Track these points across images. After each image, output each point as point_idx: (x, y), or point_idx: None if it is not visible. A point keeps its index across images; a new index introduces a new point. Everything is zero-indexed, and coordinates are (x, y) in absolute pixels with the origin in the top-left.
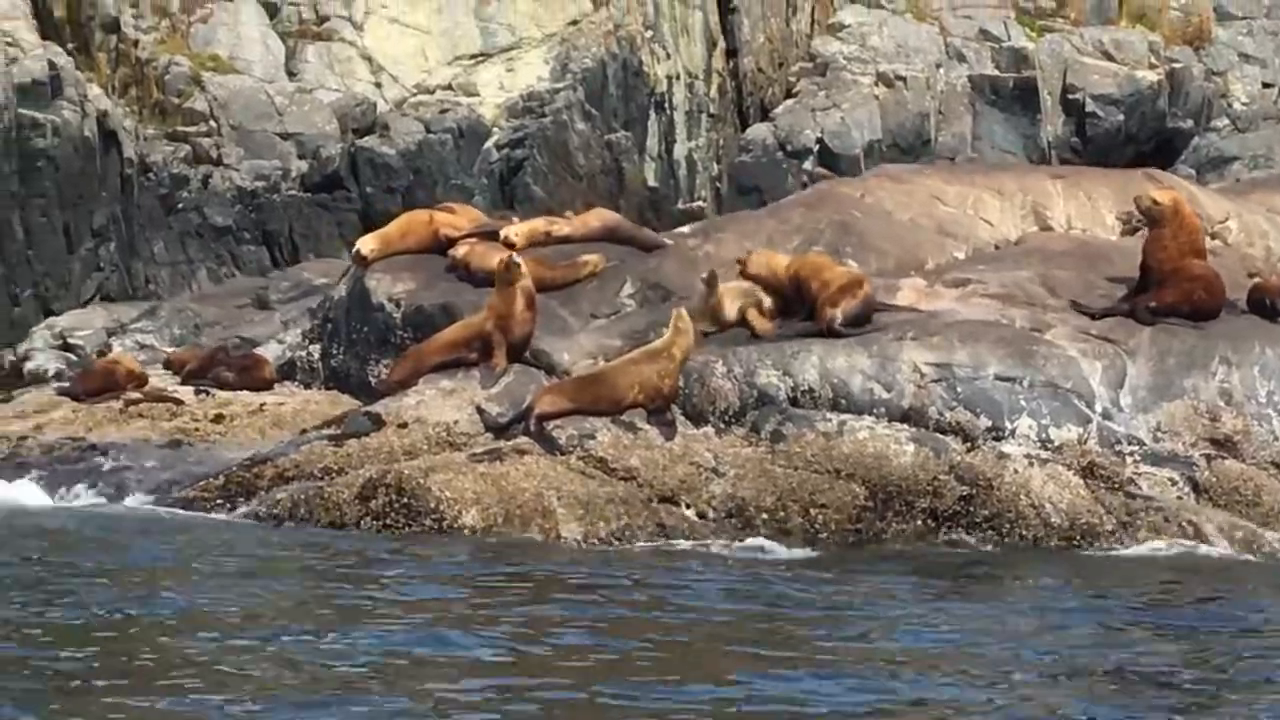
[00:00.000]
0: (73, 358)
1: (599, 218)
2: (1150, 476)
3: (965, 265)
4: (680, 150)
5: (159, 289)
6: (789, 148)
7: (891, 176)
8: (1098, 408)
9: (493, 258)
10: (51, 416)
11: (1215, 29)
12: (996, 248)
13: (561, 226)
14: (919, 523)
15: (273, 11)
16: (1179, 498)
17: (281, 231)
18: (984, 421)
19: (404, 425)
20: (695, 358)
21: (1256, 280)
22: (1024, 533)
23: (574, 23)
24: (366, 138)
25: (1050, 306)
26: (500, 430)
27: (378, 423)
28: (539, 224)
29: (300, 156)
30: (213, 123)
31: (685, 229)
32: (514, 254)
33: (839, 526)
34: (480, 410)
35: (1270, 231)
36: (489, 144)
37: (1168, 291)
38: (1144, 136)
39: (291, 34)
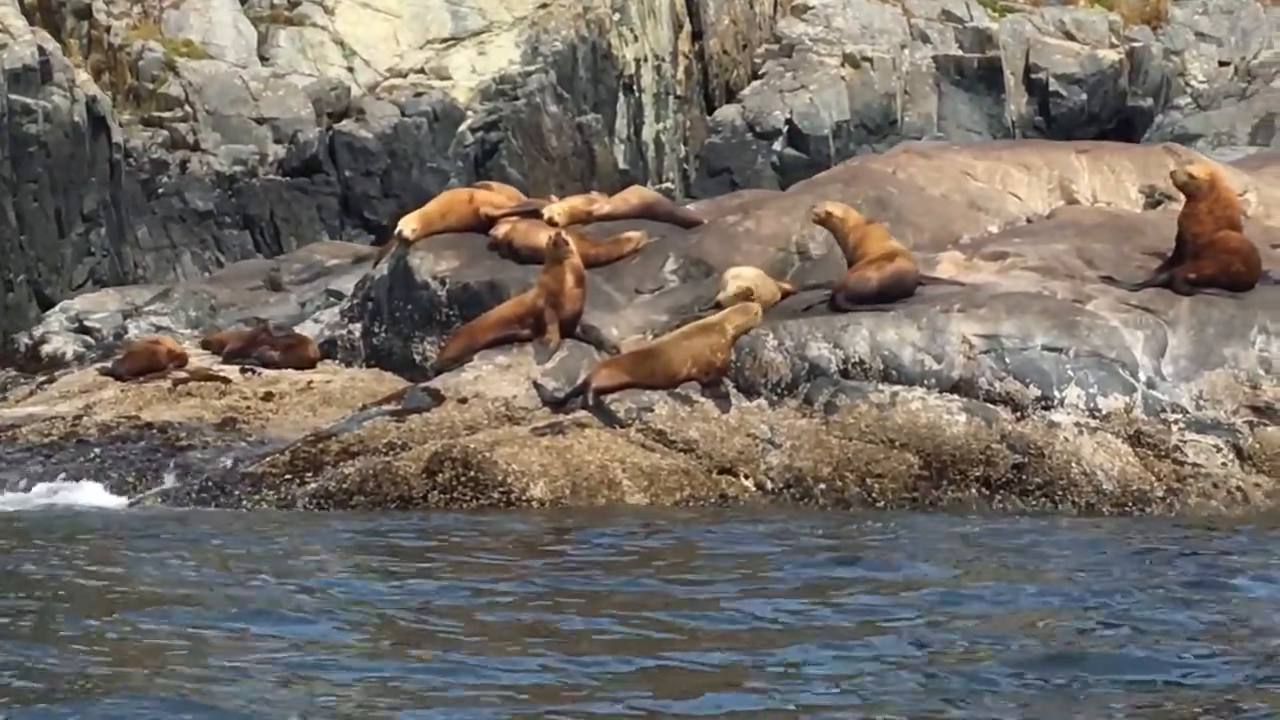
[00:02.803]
0: (90, 340)
1: (638, 195)
2: (1195, 444)
3: (1001, 239)
4: (649, 132)
5: (146, 273)
6: (758, 129)
7: (920, 153)
8: (1141, 377)
9: (536, 235)
10: (101, 396)
11: (1172, 8)
12: (1029, 221)
13: (601, 204)
14: (973, 491)
15: None
16: (1224, 464)
17: (263, 216)
18: (1033, 391)
19: (464, 400)
20: None
21: None
22: (1076, 500)
23: (543, 6)
24: (343, 122)
25: (1088, 278)
26: (558, 405)
27: (437, 398)
28: (579, 202)
29: (276, 141)
30: (188, 108)
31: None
32: (561, 231)
33: (895, 495)
34: (537, 385)
35: None
36: (463, 127)
37: (1206, 263)
38: (1106, 115)
39: (263, 19)
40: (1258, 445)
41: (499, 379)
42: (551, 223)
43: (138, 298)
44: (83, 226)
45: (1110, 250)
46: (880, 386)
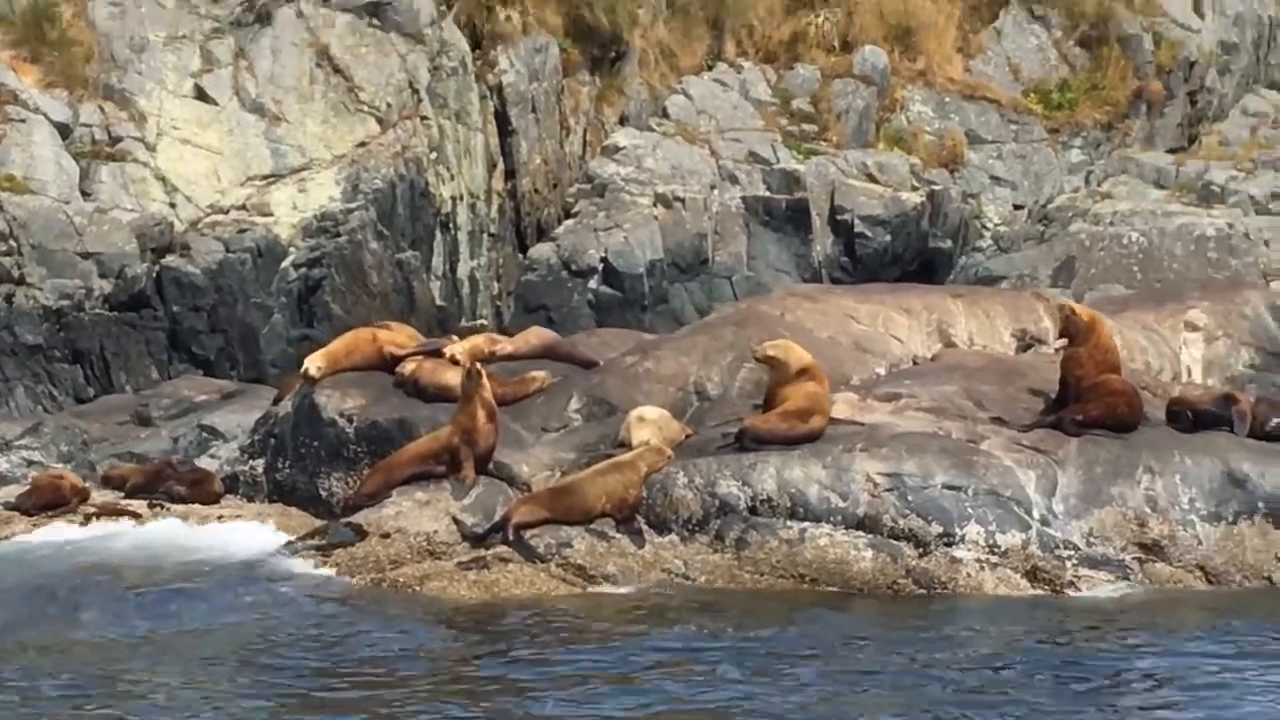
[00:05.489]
0: None
1: (539, 336)
2: (1089, 579)
3: (891, 380)
4: (464, 269)
5: None
6: (573, 267)
7: (805, 296)
8: (1035, 514)
9: (441, 373)
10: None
11: (967, 152)
12: (915, 362)
13: (504, 345)
14: None
15: (65, 132)
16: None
17: (92, 350)
18: (935, 528)
19: (386, 535)
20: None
21: (1175, 395)
22: None
23: (362, 144)
24: (169, 257)
25: (979, 419)
26: (478, 539)
27: (360, 533)
28: (480, 341)
29: (102, 275)
30: (12, 242)
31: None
32: (475, 364)
33: None
34: (456, 520)
35: (1149, 347)
36: (286, 263)
37: (1091, 405)
38: (909, 256)
39: (84, 154)
40: (1148, 581)
41: (419, 514)
42: (454, 361)
43: (8, 431)
44: None
45: (997, 391)
46: (789, 523)
